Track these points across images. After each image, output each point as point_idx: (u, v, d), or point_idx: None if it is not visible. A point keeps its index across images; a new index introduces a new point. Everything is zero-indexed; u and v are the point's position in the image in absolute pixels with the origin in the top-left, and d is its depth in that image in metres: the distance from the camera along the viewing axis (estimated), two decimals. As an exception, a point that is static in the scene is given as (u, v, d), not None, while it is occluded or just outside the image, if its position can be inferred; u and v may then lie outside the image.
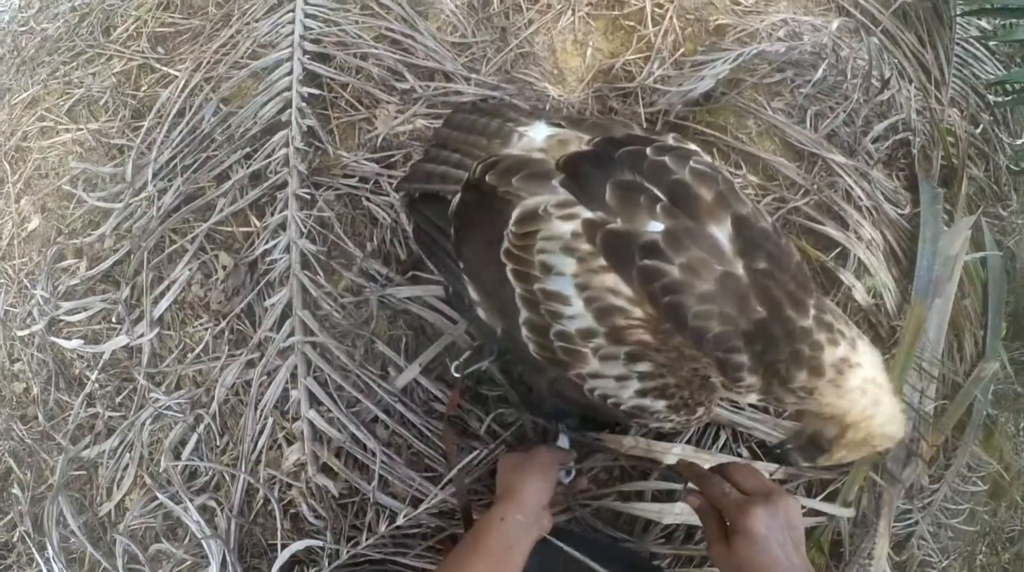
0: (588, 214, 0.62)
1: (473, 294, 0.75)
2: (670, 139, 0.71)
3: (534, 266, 0.64)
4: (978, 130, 1.55)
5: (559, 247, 0.62)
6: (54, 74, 1.47)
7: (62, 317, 1.22)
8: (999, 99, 1.61)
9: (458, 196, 0.75)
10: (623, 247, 0.60)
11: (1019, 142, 1.62)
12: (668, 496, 1.00)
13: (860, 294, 1.22)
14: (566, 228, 0.62)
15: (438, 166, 0.81)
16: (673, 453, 0.99)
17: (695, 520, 0.99)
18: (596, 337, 0.61)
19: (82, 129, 1.36)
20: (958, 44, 1.58)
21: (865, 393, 0.60)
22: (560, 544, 0.79)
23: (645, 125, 1.30)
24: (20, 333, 1.25)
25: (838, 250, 1.24)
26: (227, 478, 1.06)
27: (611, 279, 0.60)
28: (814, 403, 0.62)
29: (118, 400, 1.17)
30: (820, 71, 1.30)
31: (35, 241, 1.32)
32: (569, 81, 1.36)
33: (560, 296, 0.62)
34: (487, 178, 0.70)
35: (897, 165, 1.41)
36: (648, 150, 0.66)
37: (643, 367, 0.62)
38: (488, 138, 0.78)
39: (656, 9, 1.35)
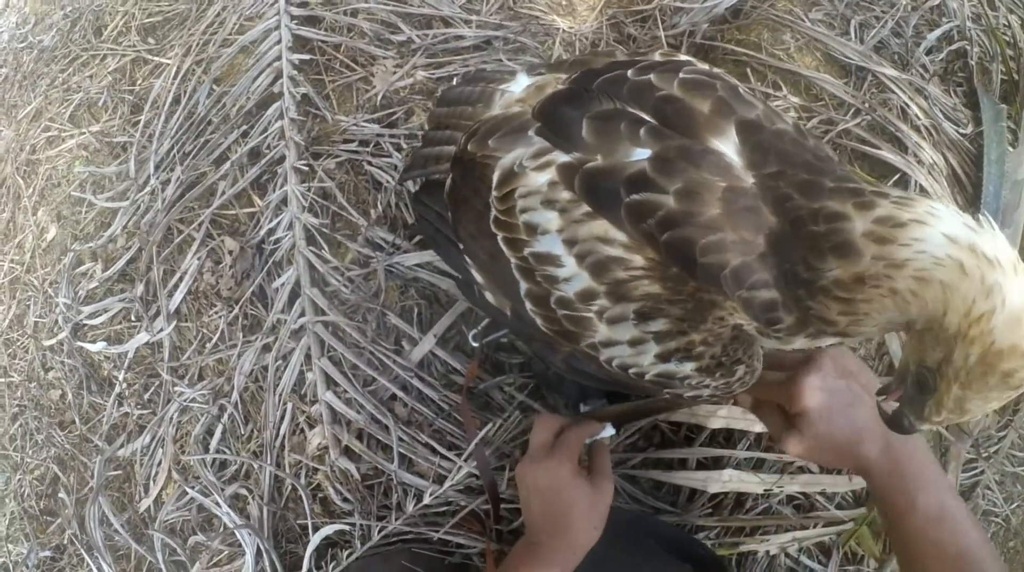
0: (564, 158, 0.53)
1: (477, 276, 0.67)
2: (656, 55, 0.60)
3: (520, 230, 0.55)
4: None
5: (539, 202, 0.53)
6: (53, 83, 1.45)
7: (85, 321, 1.21)
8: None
9: (450, 175, 0.67)
10: (606, 186, 0.50)
11: None
12: (715, 463, 0.90)
13: None
14: (542, 179, 0.53)
15: (433, 148, 0.74)
16: (719, 416, 0.88)
17: (744, 487, 0.90)
18: (598, 298, 0.52)
19: (85, 133, 1.34)
20: None
21: (964, 271, 0.39)
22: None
23: (667, 42, 1.17)
24: (48, 342, 1.25)
25: (897, 176, 1.09)
26: (255, 466, 1.03)
27: (600, 226, 0.51)
28: (879, 307, 0.42)
29: (146, 397, 1.15)
30: None
31: (54, 250, 1.32)
32: (580, 10, 1.24)
33: (550, 257, 0.53)
34: (468, 147, 0.62)
35: (953, 79, 1.25)
36: (629, 72, 0.55)
37: (658, 326, 0.51)
38: (473, 105, 0.69)
39: None
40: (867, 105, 1.11)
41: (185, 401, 1.09)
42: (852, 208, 0.43)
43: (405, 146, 1.08)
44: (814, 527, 0.97)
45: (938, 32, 1.21)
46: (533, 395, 0.91)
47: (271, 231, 1.07)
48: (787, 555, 1.00)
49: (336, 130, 1.14)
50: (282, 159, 1.11)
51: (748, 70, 1.12)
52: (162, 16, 1.39)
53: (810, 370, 0.60)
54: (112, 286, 1.21)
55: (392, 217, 1.03)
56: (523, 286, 0.57)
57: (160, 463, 1.11)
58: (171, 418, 1.10)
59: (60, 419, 1.24)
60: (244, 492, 1.03)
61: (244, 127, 1.17)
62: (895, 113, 1.13)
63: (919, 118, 1.14)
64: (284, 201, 1.08)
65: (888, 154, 1.09)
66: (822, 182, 0.46)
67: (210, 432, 1.07)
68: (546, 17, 1.21)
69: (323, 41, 1.21)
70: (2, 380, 1.33)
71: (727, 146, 0.49)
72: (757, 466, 0.93)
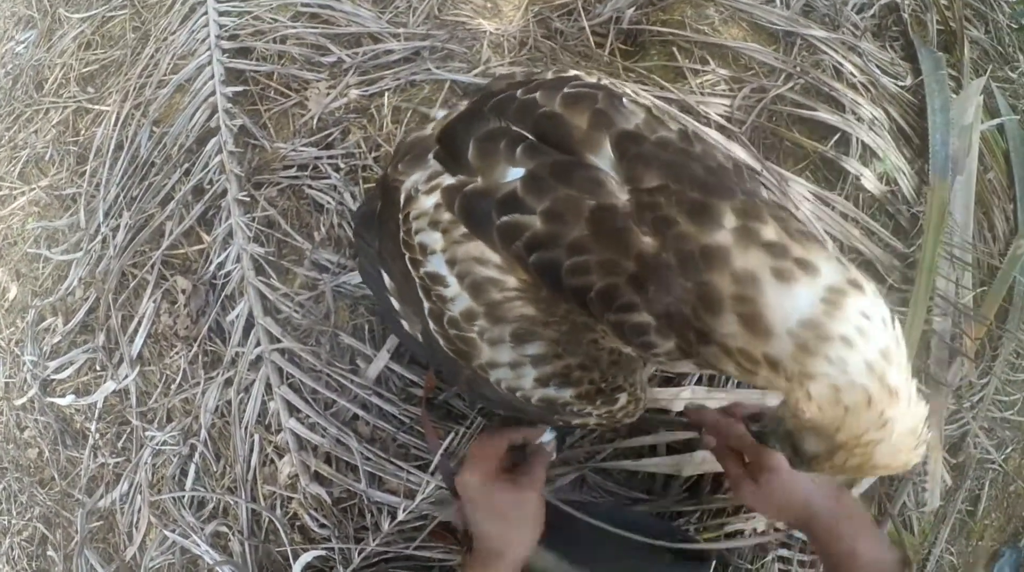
0: (449, 180, 0.53)
1: (395, 302, 0.66)
2: (548, 74, 0.60)
3: (416, 250, 0.55)
4: None
5: (427, 223, 0.54)
6: (0, 143, 1.46)
7: (52, 376, 1.21)
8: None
9: (379, 200, 0.67)
10: (480, 207, 0.50)
11: None
12: (686, 446, 0.89)
13: (871, 182, 1.07)
14: (430, 202, 0.54)
15: (375, 189, 0.75)
16: (681, 398, 0.88)
17: (719, 467, 0.89)
18: (478, 318, 0.52)
19: (35, 188, 1.34)
20: None
21: (868, 401, 0.38)
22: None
23: (595, 40, 1.17)
24: (19, 401, 1.25)
25: (837, 136, 1.09)
26: (231, 502, 1.02)
27: (476, 247, 0.51)
28: (779, 385, 0.41)
29: (119, 445, 1.15)
30: None
31: (16, 309, 1.32)
32: (505, 11, 1.24)
33: (439, 277, 0.53)
34: (388, 171, 0.63)
35: (888, 34, 1.25)
36: (519, 91, 0.54)
37: (534, 349, 0.51)
38: (406, 137, 0.69)
39: None
40: (798, 69, 1.11)
41: (157, 445, 1.09)
42: (772, 274, 0.39)
43: (343, 165, 1.08)
44: None
45: None
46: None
47: (220, 265, 1.07)
48: (776, 529, 0.99)
49: (276, 157, 1.14)
50: (224, 193, 1.11)
51: (675, 49, 1.12)
52: (99, 64, 1.39)
53: None
54: (75, 338, 1.21)
55: (336, 237, 1.02)
56: (425, 305, 0.56)
57: (140, 509, 1.11)
58: (145, 463, 1.10)
59: (40, 477, 1.24)
60: (224, 529, 1.02)
61: (186, 165, 1.17)
62: (829, 73, 1.13)
63: (854, 76, 1.14)
64: (230, 234, 1.08)
65: (825, 115, 1.09)
66: (717, 208, 0.42)
67: (184, 472, 1.07)
68: (472, 22, 1.21)
69: (255, 71, 1.21)
70: (-19, 444, 1.33)
71: (603, 161, 0.47)
72: None
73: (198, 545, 0.99)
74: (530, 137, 0.50)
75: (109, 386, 1.15)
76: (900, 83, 1.19)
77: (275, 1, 1.28)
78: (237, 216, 1.07)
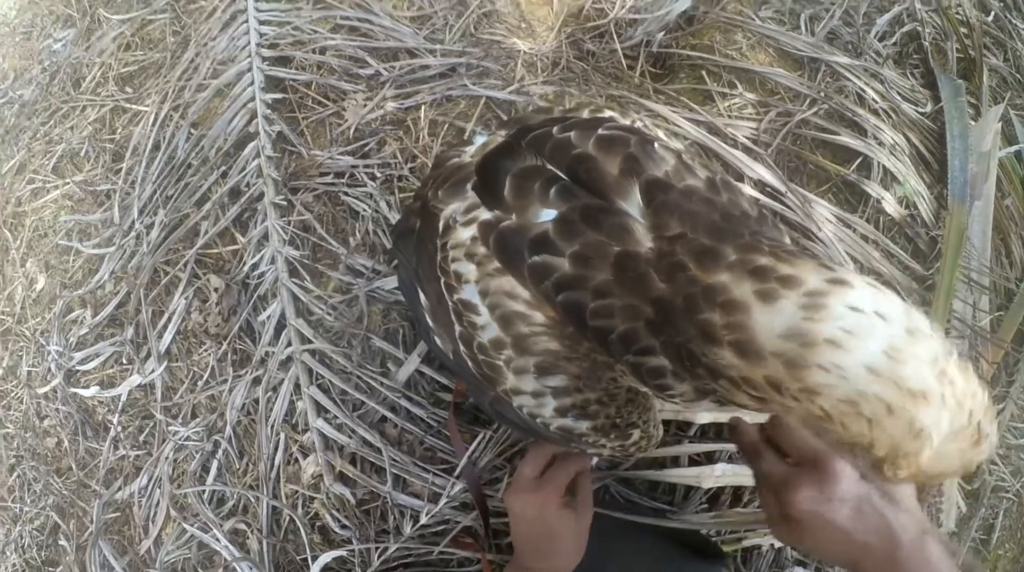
0: (486, 215, 0.56)
1: (428, 320, 0.69)
2: (585, 112, 0.63)
3: (452, 276, 0.58)
4: (990, 17, 1.41)
5: (463, 253, 0.56)
6: (35, 136, 1.49)
7: (77, 367, 1.23)
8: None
9: (419, 221, 0.71)
10: (514, 245, 0.52)
11: None
12: (707, 458, 0.91)
13: (891, 206, 1.10)
14: (467, 234, 0.56)
15: (415, 202, 0.78)
16: (705, 412, 0.90)
17: (739, 480, 0.91)
18: (506, 348, 0.54)
19: (68, 183, 1.37)
20: None
21: (890, 411, 0.35)
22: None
23: (626, 62, 1.22)
24: (42, 390, 1.26)
25: (859, 160, 1.13)
26: (252, 499, 1.04)
27: (508, 282, 0.53)
28: (793, 407, 0.38)
29: (141, 438, 1.17)
30: None
31: (44, 300, 1.34)
32: (539, 32, 1.28)
33: (471, 305, 0.56)
34: (428, 195, 0.65)
35: (909, 62, 1.30)
36: (555, 129, 0.56)
37: (556, 381, 0.53)
38: (444, 165, 0.72)
39: None
40: (823, 94, 1.15)
41: (180, 440, 1.10)
42: (754, 296, 0.39)
43: (379, 174, 1.11)
44: None
45: (888, 16, 1.26)
46: None
47: (255, 266, 1.09)
48: (794, 548, 1.00)
49: (312, 164, 1.17)
50: (261, 196, 1.14)
51: (704, 72, 1.16)
52: (138, 65, 1.42)
53: (813, 475, 0.56)
54: (102, 331, 1.23)
55: (371, 244, 1.05)
56: (457, 328, 0.59)
57: (158, 503, 1.12)
58: (167, 457, 1.11)
59: (57, 466, 1.25)
60: (243, 527, 1.04)
61: (223, 168, 1.20)
62: (852, 99, 1.17)
63: (876, 102, 1.18)
64: (265, 236, 1.11)
65: (848, 139, 1.12)
66: (722, 251, 0.42)
67: (206, 468, 1.08)
68: (507, 41, 1.25)
69: (294, 80, 1.25)
70: (-2, 432, 1.35)
71: (632, 207, 0.49)
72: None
73: (217, 540, 1.00)
74: (564, 178, 0.52)
75: (135, 380, 1.16)
76: (920, 110, 1.22)
77: (315, 13, 1.31)
78: (273, 219, 1.10)
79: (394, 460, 0.90)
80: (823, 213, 1.05)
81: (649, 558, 0.79)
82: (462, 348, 0.59)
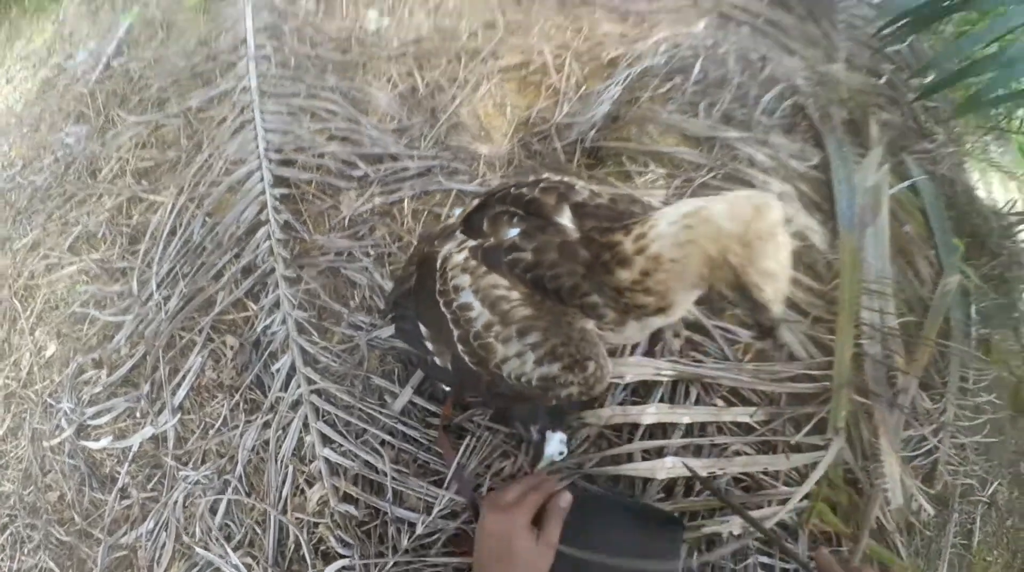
0: (472, 243, 0.86)
1: (429, 345, 0.95)
2: (530, 177, 0.93)
3: (451, 292, 0.85)
4: (882, 80, 1.81)
5: (460, 270, 0.85)
6: (50, 218, 1.67)
7: (89, 422, 1.36)
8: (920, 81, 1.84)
9: (415, 274, 0.99)
10: (495, 253, 0.82)
11: (926, 81, 1.79)
12: (657, 453, 1.12)
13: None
14: (461, 257, 0.85)
15: (407, 269, 1.06)
16: (648, 413, 1.12)
17: (688, 472, 1.07)
18: (494, 325, 0.80)
19: (84, 260, 1.55)
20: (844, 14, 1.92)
21: (690, 228, 0.64)
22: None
23: (565, 156, 1.54)
24: (48, 444, 1.38)
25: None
26: (259, 532, 1.19)
27: (492, 278, 0.81)
28: (674, 273, 0.68)
29: (150, 487, 1.30)
30: (698, 68, 1.57)
31: (54, 365, 1.48)
32: (495, 138, 1.62)
33: (467, 305, 0.83)
34: (425, 249, 0.95)
35: (800, 130, 1.62)
36: (512, 188, 0.89)
37: (532, 338, 0.78)
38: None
39: (556, 59, 1.65)
40: (719, 162, 1.44)
41: (190, 484, 1.25)
42: (622, 235, 0.72)
43: (372, 253, 1.38)
44: (769, 505, 1.14)
45: (771, 93, 1.58)
46: (495, 420, 1.14)
47: (267, 328, 1.31)
48: (758, 540, 1.12)
49: (314, 246, 1.42)
50: (272, 271, 1.37)
51: (624, 158, 1.48)
52: (154, 162, 1.66)
53: None
54: (116, 389, 1.38)
55: (368, 305, 1.30)
56: (455, 333, 0.85)
57: (164, 545, 1.24)
58: (176, 502, 1.25)
59: (59, 517, 1.34)
60: (249, 560, 1.18)
61: (236, 250, 1.43)
62: (744, 163, 1.47)
63: (766, 162, 1.48)
64: (276, 304, 1.33)
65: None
66: (615, 227, 0.74)
67: (214, 509, 1.22)
68: (471, 146, 1.58)
69: (298, 178, 1.52)
70: (-7, 492, 1.43)
71: (565, 218, 0.81)
72: (697, 452, 1.15)
73: (229, 562, 1.14)
74: (520, 212, 0.84)
75: (147, 431, 1.32)
76: (809, 163, 1.53)
77: (313, 125, 1.62)
78: (284, 289, 1.33)
79: (394, 477, 1.10)
80: None
81: (616, 524, 0.98)
82: (460, 347, 0.84)
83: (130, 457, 1.32)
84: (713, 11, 1.83)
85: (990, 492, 1.38)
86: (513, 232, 0.82)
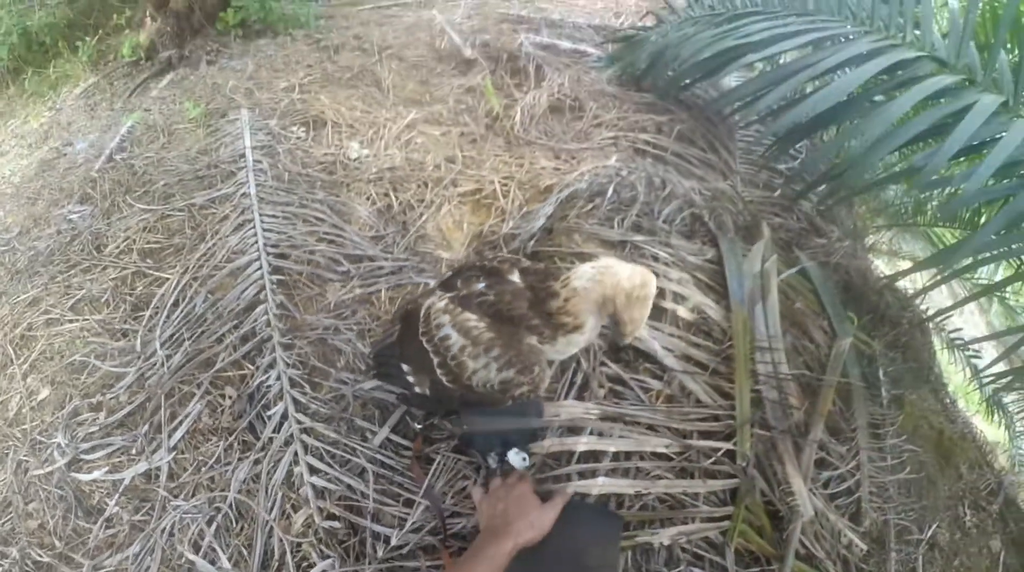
0: (450, 294, 1.26)
1: (410, 378, 1.33)
2: (488, 256, 1.42)
3: (433, 330, 1.22)
4: (776, 193, 2.40)
5: (441, 312, 1.22)
6: (52, 280, 1.90)
7: (82, 456, 1.55)
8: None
9: (398, 326, 1.41)
10: (468, 299, 1.21)
11: (820, 189, 2.40)
12: (592, 474, 1.45)
13: (683, 312, 1.79)
14: (443, 304, 1.25)
15: (384, 334, 1.48)
16: (581, 442, 1.47)
17: (617, 489, 1.40)
18: (467, 347, 1.16)
19: (88, 319, 1.79)
20: (742, 142, 2.56)
21: (601, 275, 1.07)
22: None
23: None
24: (35, 473, 1.53)
25: (657, 292, 1.84)
26: (245, 553, 1.43)
27: (466, 315, 1.19)
28: (585, 305, 1.09)
29: (137, 517, 1.49)
30: (611, 191, 2.09)
31: (47, 407, 1.66)
32: (455, 246, 2.08)
33: (447, 336, 1.19)
34: (408, 306, 1.38)
35: (699, 234, 2.07)
36: (476, 262, 1.33)
37: (495, 352, 1.14)
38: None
39: (503, 187, 2.18)
40: (628, 258, 1.87)
41: (180, 513, 1.47)
42: (558, 285, 1.12)
43: (354, 329, 1.76)
44: (693, 522, 1.43)
45: (669, 207, 2.07)
46: (458, 451, 1.47)
47: (263, 383, 1.62)
48: (683, 550, 1.43)
49: (304, 324, 1.78)
50: (269, 338, 1.71)
51: (556, 259, 1.91)
52: (160, 245, 1.98)
53: None
54: (112, 430, 1.59)
55: (352, 366, 1.66)
56: (435, 360, 1.21)
57: (149, 568, 1.43)
58: (164, 529, 1.46)
59: (40, 540, 1.48)
60: (233, 578, 1.41)
61: (236, 321, 1.75)
62: (649, 259, 1.89)
63: (668, 258, 1.93)
64: (271, 365, 1.66)
65: None
66: (551, 283, 1.15)
67: (202, 535, 1.44)
68: (435, 252, 2.02)
69: (291, 268, 1.90)
70: (-37, 525, 1.53)
71: (515, 276, 1.21)
72: (624, 475, 1.47)
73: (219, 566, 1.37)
74: (484, 276, 1.24)
75: (141, 466, 1.53)
76: (704, 257, 1.98)
77: (305, 228, 2.03)
78: (280, 352, 1.67)
79: (373, 496, 1.42)
80: None
81: (564, 518, 1.26)
82: (439, 371, 1.21)
83: (121, 489, 1.52)
84: (628, 148, 2.50)
85: (929, 534, 1.59)
86: (480, 285, 1.22)
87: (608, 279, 1.08)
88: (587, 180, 2.16)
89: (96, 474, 1.53)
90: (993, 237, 1.77)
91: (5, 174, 2.34)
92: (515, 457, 1.39)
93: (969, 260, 1.98)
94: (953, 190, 2.30)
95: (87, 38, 2.76)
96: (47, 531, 1.49)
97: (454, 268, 1.41)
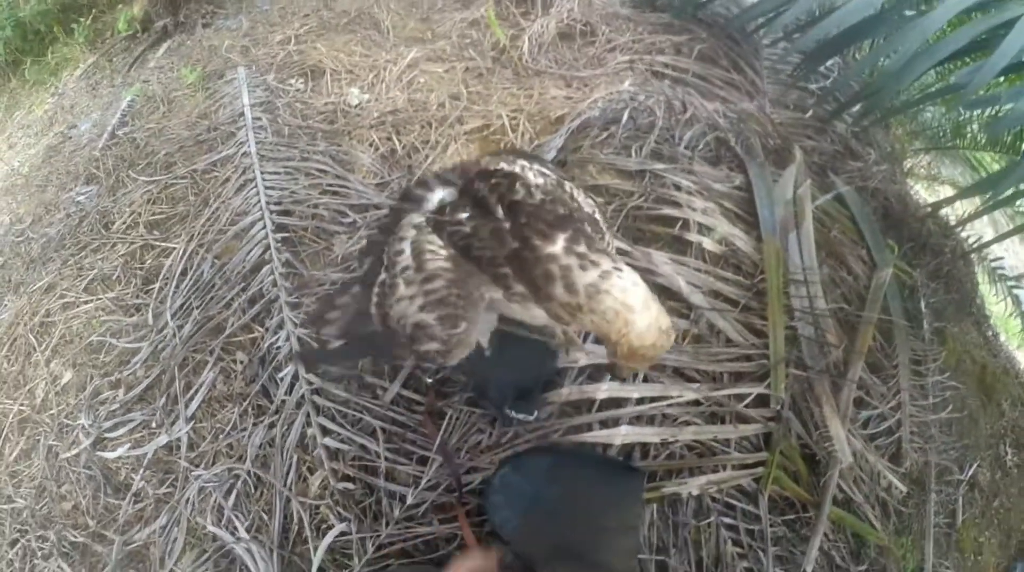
0: (430, 215, 1.04)
1: (373, 306, 1.07)
2: (490, 166, 1.10)
3: (395, 242, 1.01)
4: (807, 114, 2.18)
5: (410, 226, 1.02)
6: (65, 264, 1.88)
7: (105, 435, 1.53)
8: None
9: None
10: (442, 224, 0.99)
11: (854, 110, 2.27)
12: (614, 423, 1.35)
13: (710, 245, 1.65)
14: (416, 220, 1.03)
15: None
16: (602, 390, 1.36)
17: (642, 438, 1.31)
18: (409, 270, 0.96)
19: (101, 298, 1.76)
20: (768, 60, 2.34)
21: (617, 316, 0.84)
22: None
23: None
24: (65, 455, 1.53)
25: (681, 222, 1.68)
26: (265, 518, 1.38)
27: (431, 237, 0.98)
28: (587, 322, 0.86)
29: (163, 490, 1.46)
30: (626, 117, 1.91)
31: (70, 390, 1.65)
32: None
33: (399, 251, 1.00)
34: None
35: (725, 159, 1.92)
36: (475, 181, 1.04)
37: (430, 286, 0.93)
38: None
39: (512, 121, 2.00)
40: (648, 189, 1.73)
41: (203, 482, 1.43)
42: (576, 266, 0.85)
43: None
44: (724, 470, 1.34)
45: (691, 131, 1.88)
46: (471, 404, 1.37)
47: (272, 345, 1.54)
48: (713, 499, 1.35)
49: (311, 280, 1.68)
50: (276, 299, 1.62)
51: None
52: (165, 215, 1.91)
53: None
54: (132, 405, 1.56)
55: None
56: (382, 276, 1.01)
57: (176, 539, 1.40)
58: (188, 499, 1.42)
59: (73, 522, 1.48)
60: (256, 546, 1.36)
61: (243, 284, 1.67)
62: (671, 188, 1.75)
63: (690, 186, 1.76)
64: (281, 325, 1.57)
65: (667, 210, 1.68)
66: (555, 235, 0.89)
67: (226, 497, 1.39)
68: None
69: (295, 225, 1.80)
70: (5, 507, 1.55)
71: (500, 211, 0.95)
72: (650, 422, 1.36)
73: (239, 540, 1.32)
74: (471, 205, 1.00)
75: (162, 439, 1.50)
76: (731, 185, 1.81)
77: (308, 181, 1.91)
78: (287, 312, 1.58)
79: (386, 457, 1.33)
80: (662, 259, 1.60)
81: (584, 476, 1.19)
82: (374, 289, 1.01)
83: (144, 464, 1.49)
84: (645, 72, 2.26)
85: (969, 474, 1.52)
86: (463, 215, 0.99)
87: (620, 324, 0.86)
88: (600, 107, 1.98)
89: (120, 451, 1.51)
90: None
91: (15, 166, 2.34)
92: (522, 408, 1.26)
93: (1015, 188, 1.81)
94: (996, 110, 2.17)
95: (82, 19, 2.70)
96: (80, 511, 1.49)
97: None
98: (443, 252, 0.96)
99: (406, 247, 0.99)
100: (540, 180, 1.06)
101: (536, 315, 0.95)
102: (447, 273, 0.94)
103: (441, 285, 0.93)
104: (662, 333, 0.87)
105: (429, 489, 1.31)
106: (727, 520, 1.39)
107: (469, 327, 0.93)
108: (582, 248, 0.88)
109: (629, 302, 0.85)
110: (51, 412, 1.63)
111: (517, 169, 1.07)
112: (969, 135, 2.80)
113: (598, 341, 1.36)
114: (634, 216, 1.70)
